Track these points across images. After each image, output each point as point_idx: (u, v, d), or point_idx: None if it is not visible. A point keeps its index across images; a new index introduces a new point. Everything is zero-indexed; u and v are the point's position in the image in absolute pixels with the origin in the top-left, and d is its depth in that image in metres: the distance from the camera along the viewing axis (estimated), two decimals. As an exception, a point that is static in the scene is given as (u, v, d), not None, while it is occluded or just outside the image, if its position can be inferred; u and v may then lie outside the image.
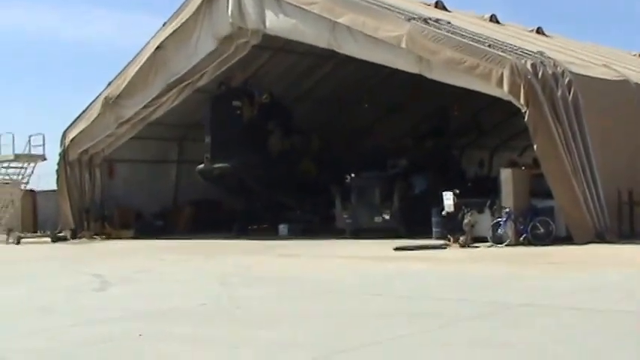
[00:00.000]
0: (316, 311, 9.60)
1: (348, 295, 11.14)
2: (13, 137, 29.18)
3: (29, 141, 29.25)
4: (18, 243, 26.62)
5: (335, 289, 11.81)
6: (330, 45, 22.40)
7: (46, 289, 12.92)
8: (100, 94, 27.76)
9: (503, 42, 20.71)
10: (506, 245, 18.16)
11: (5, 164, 29.37)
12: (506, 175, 19.41)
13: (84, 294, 12.15)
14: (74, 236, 27.75)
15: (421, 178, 24.97)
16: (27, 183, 30.19)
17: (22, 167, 29.60)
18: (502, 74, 18.47)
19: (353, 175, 24.27)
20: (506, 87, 18.48)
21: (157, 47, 25.87)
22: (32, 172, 29.73)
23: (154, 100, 26.54)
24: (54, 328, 8.84)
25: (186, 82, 25.87)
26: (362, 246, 20.49)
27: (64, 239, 27.40)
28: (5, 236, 27.54)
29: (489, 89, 19.46)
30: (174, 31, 25.44)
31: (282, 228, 26.40)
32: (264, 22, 23.49)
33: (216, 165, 26.13)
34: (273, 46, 26.81)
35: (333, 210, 24.64)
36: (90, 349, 7.51)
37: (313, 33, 22.66)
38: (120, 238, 26.69)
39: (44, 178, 31.02)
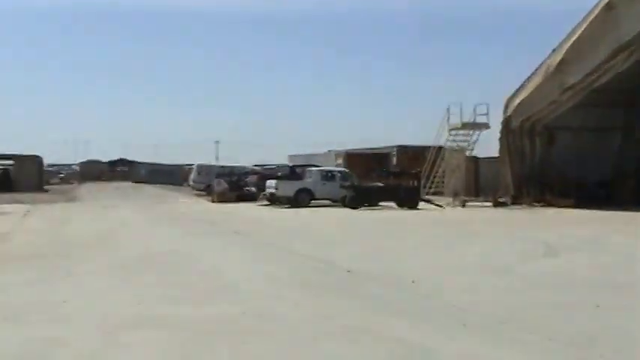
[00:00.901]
0: None
1: None
2: (461, 107, 31.21)
3: (474, 110, 30.93)
4: (463, 206, 28.51)
5: None
6: None
7: (498, 251, 13.59)
8: (543, 62, 27.75)
9: None
10: None
11: (454, 132, 31.57)
12: None
13: (534, 259, 12.47)
14: (514, 202, 28.63)
15: None
16: (472, 150, 32.06)
17: (467, 135, 31.46)
18: None
19: None
20: None
21: (606, 6, 24.63)
22: (477, 139, 31.47)
23: (600, 64, 25.45)
24: (509, 289, 9.32)
25: (636, 45, 24.17)
26: None
27: (504, 204, 28.45)
28: (451, 199, 29.74)
29: None
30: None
31: None
32: None
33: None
34: None
35: None
36: (545, 312, 7.74)
37: None
38: (559, 207, 26.55)
39: (485, 145, 32.53)
